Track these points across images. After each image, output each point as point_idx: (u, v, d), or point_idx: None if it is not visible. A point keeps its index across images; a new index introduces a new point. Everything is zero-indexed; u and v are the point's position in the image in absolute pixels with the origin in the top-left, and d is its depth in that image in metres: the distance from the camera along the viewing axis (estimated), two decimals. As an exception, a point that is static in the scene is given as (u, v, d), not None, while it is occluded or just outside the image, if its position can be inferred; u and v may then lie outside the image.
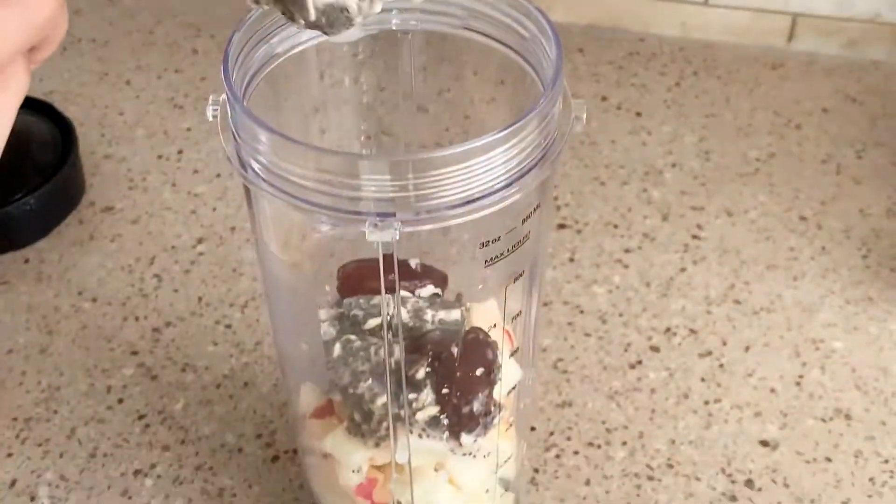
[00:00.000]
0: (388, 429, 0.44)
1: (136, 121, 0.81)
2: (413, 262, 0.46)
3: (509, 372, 0.46)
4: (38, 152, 0.74)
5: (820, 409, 0.60)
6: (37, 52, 0.34)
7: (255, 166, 0.38)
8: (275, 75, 0.43)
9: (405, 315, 0.44)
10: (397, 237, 0.37)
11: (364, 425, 0.45)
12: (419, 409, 0.44)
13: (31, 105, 0.77)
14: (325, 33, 0.37)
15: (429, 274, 0.46)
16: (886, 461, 0.58)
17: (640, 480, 0.57)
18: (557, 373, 0.62)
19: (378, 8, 0.37)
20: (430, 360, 0.44)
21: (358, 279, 0.45)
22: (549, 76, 0.39)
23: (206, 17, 0.91)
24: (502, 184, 0.38)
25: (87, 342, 0.65)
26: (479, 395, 0.44)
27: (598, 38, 0.88)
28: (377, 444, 0.45)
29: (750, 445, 0.58)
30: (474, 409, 0.44)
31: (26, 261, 0.70)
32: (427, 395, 0.44)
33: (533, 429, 0.59)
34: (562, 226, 0.71)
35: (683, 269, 0.68)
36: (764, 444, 0.59)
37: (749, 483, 0.57)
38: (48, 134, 0.75)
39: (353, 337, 0.44)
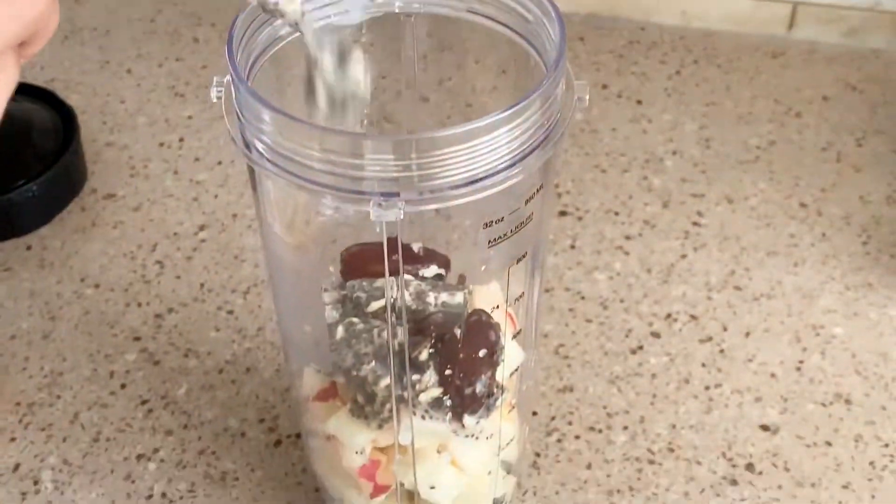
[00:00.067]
0: (391, 410, 0.44)
1: (138, 109, 0.81)
2: (416, 246, 0.46)
3: (512, 354, 0.46)
4: (40, 140, 0.74)
5: (820, 393, 0.60)
6: (27, 47, 0.34)
7: (260, 146, 0.39)
8: (279, 58, 0.43)
9: (408, 297, 0.44)
10: (401, 217, 0.37)
11: (367, 407, 0.45)
12: (422, 391, 0.44)
13: (33, 93, 0.77)
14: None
15: (432, 257, 0.46)
16: (886, 445, 0.58)
17: (641, 464, 0.57)
18: (559, 358, 0.62)
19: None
20: (432, 341, 0.44)
21: (361, 262, 0.46)
22: (552, 58, 0.39)
23: (207, 5, 0.91)
24: (506, 164, 0.38)
25: (89, 328, 0.65)
26: (482, 376, 0.44)
27: (599, 26, 0.88)
28: (380, 426, 0.45)
29: (750, 430, 0.59)
30: (477, 390, 0.44)
31: (29, 247, 0.70)
32: (430, 376, 0.44)
33: (535, 413, 0.59)
34: (563, 213, 0.71)
35: (684, 256, 0.69)
36: (764, 428, 0.59)
37: (749, 467, 0.57)
38: (50, 121, 0.75)
39: (356, 319, 0.45)
